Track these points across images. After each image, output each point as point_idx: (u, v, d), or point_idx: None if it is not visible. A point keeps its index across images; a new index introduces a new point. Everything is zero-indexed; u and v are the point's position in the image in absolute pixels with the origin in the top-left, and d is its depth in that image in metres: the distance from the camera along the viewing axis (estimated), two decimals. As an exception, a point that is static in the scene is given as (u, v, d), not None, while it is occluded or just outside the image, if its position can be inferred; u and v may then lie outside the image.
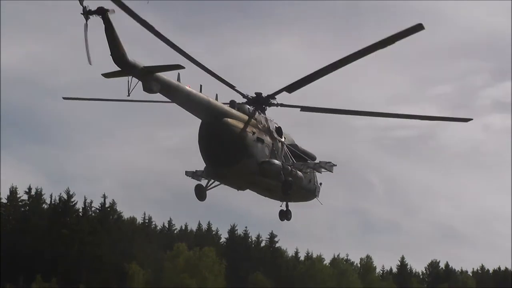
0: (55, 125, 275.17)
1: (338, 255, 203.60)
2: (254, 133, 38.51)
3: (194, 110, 36.60)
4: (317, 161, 42.20)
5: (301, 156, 42.41)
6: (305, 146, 43.84)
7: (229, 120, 37.39)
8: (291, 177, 40.18)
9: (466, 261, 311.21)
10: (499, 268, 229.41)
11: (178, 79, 35.56)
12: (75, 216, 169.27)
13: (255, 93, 39.83)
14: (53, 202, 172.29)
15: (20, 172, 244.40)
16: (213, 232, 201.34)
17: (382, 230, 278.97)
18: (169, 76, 35.16)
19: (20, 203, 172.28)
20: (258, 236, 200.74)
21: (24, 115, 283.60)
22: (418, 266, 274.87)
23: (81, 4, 31.67)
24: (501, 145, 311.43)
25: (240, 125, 37.76)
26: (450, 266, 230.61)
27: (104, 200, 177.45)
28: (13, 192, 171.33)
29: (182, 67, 33.85)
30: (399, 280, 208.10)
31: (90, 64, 31.88)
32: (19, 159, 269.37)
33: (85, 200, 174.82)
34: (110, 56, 32.70)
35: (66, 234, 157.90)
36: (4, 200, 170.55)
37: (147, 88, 33.95)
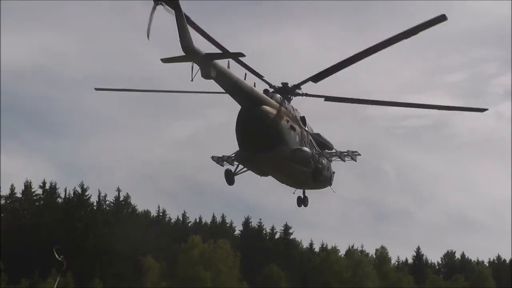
0: (69, 119, 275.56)
1: (353, 246, 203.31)
2: (288, 121, 40.11)
3: (238, 96, 38.17)
4: (344, 150, 43.29)
5: (323, 145, 43.85)
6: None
7: (268, 107, 38.94)
8: (320, 164, 42.16)
9: (482, 251, 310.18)
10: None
11: (228, 67, 37.19)
12: (89, 210, 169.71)
13: (282, 83, 41.22)
14: (67, 196, 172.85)
15: (34, 167, 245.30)
16: (227, 225, 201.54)
17: (397, 221, 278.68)
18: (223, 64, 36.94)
19: (34, 197, 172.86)
20: (273, 228, 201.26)
21: (37, 109, 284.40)
22: (434, 256, 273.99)
23: None
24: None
25: (276, 113, 39.40)
26: (466, 257, 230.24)
27: (118, 194, 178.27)
28: (27, 186, 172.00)
29: (243, 55, 35.79)
30: (415, 271, 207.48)
31: (148, 39, 34.08)
32: (33, 153, 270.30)
33: (99, 193, 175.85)
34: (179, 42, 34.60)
35: (80, 228, 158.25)
36: (19, 195, 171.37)
37: (205, 74, 35.69)
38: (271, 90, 40.88)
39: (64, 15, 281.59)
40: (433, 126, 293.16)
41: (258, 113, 38.54)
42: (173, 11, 34.38)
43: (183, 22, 34.40)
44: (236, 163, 41.66)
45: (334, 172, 45.78)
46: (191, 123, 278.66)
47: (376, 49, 36.97)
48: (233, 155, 41.40)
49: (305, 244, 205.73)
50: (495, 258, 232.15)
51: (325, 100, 42.04)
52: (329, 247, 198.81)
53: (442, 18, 34.40)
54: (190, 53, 35.06)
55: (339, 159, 43.37)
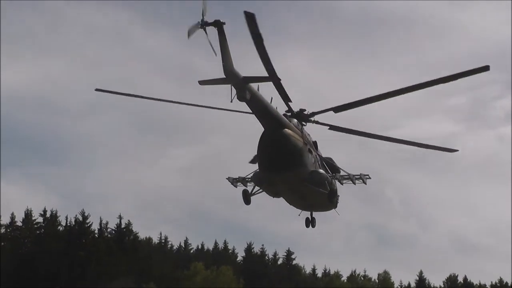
0: (68, 146, 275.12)
1: (355, 271, 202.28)
2: (306, 144, 41.84)
3: (265, 119, 39.74)
4: (356, 173, 45.32)
5: (334, 168, 45.45)
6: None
7: (290, 131, 40.60)
8: (334, 186, 44.10)
9: (484, 275, 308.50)
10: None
11: (258, 89, 38.64)
12: (91, 238, 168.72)
13: (300, 109, 42.70)
14: (68, 224, 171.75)
15: (35, 194, 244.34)
16: (230, 251, 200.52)
17: (399, 244, 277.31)
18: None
19: (35, 226, 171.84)
20: (275, 254, 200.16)
21: (37, 136, 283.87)
22: (437, 280, 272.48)
23: (203, 15, 35.41)
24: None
25: (297, 136, 41.16)
26: (468, 280, 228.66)
27: (120, 221, 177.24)
28: (28, 215, 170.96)
29: (279, 80, 37.40)
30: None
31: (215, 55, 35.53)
32: (33, 181, 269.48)
33: (101, 221, 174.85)
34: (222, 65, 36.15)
35: (83, 256, 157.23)
36: (19, 223, 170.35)
37: (241, 96, 37.32)
38: (288, 114, 42.32)
39: (65, 43, 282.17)
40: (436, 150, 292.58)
41: (282, 135, 40.14)
42: (217, 35, 35.61)
43: (226, 45, 35.82)
44: (251, 184, 43.60)
45: (339, 195, 46.91)
46: (192, 150, 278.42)
47: (404, 91, 39.56)
48: (248, 176, 43.64)
49: (308, 269, 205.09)
50: (497, 281, 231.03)
51: (329, 129, 43.67)
52: (332, 272, 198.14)
53: (485, 68, 37.31)
54: (230, 76, 36.60)
55: (351, 182, 45.27)
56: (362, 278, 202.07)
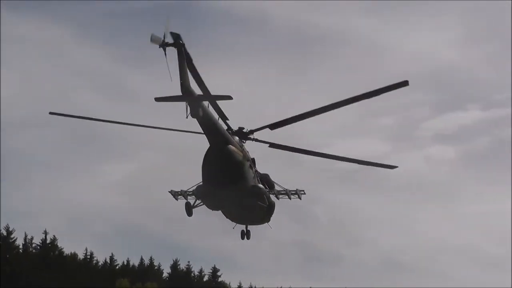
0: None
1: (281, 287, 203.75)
2: (248, 160, 43.98)
3: (213, 136, 41.58)
4: (292, 189, 46.97)
5: (270, 185, 47.01)
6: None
7: (233, 148, 42.71)
8: (273, 201, 46.03)
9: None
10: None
11: (208, 107, 40.52)
12: (15, 253, 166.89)
13: (238, 127, 44.40)
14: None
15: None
16: (156, 267, 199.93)
17: (326, 262, 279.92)
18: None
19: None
20: (201, 271, 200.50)
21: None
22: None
23: (164, 36, 36.84)
24: (443, 176, 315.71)
25: (240, 152, 43.26)
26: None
27: (45, 236, 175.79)
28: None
29: (231, 98, 38.63)
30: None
31: (171, 80, 37.11)
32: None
33: (26, 236, 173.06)
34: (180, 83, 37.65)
35: (8, 271, 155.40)
36: None
37: (194, 113, 38.99)
38: (229, 131, 43.91)
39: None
40: (364, 169, 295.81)
41: (227, 151, 42.16)
42: (177, 54, 37.09)
43: (184, 64, 37.46)
44: (191, 197, 45.27)
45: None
46: (122, 166, 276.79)
47: (334, 106, 40.92)
48: (190, 190, 45.17)
49: (234, 286, 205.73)
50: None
51: (269, 147, 45.26)
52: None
53: (404, 84, 38.45)
54: (186, 94, 38.09)
55: (287, 197, 46.97)
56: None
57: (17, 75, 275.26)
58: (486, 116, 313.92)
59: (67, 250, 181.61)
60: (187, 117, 38.99)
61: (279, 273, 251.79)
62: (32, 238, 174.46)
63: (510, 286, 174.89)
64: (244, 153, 44.05)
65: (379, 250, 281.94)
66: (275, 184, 47.31)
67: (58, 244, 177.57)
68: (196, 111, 38.97)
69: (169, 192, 46.31)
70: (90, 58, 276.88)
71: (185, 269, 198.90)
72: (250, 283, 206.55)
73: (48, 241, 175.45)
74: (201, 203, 44.87)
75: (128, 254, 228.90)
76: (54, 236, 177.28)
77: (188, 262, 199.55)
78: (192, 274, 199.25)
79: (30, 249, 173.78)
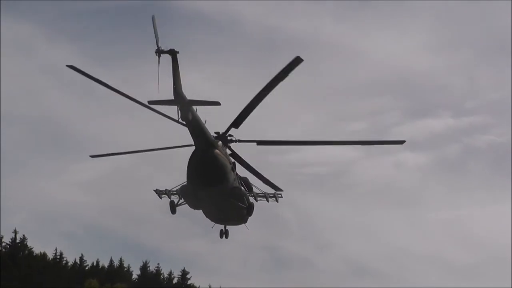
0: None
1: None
2: (230, 163, 46.15)
3: (199, 138, 43.77)
4: (271, 191, 49.18)
5: (249, 188, 49.08)
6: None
7: (218, 151, 44.75)
8: (252, 202, 48.14)
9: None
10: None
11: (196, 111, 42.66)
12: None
13: (215, 132, 45.94)
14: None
15: None
16: (125, 269, 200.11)
17: (295, 266, 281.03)
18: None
19: None
20: (170, 273, 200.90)
21: None
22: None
23: (157, 44, 39.08)
24: (413, 182, 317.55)
25: (223, 156, 45.38)
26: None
27: (15, 235, 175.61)
28: None
29: (219, 104, 41.19)
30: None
31: (158, 92, 39.32)
32: None
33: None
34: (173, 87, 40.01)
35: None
36: None
37: (184, 117, 41.46)
38: (214, 135, 45.85)
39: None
40: (334, 174, 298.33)
41: (212, 154, 44.27)
42: (171, 60, 39.33)
43: (177, 70, 39.82)
44: (174, 196, 47.39)
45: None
46: (94, 166, 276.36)
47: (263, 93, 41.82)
48: (174, 189, 47.37)
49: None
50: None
51: (257, 144, 47.18)
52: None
53: (298, 60, 38.97)
54: (178, 98, 40.49)
55: (265, 199, 49.05)
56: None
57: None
58: (457, 123, 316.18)
59: (36, 250, 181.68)
60: (177, 120, 41.43)
61: (247, 276, 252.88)
62: (1, 238, 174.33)
63: (510, 286, 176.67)
64: (227, 156, 46.15)
65: (346, 255, 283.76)
66: (253, 187, 49.22)
67: (27, 243, 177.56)
68: (186, 115, 41.22)
69: (154, 191, 48.24)
70: (60, 56, 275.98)
71: (154, 271, 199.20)
72: (220, 286, 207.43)
73: (17, 241, 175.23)
74: (185, 202, 46.84)
75: (97, 255, 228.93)
76: (24, 235, 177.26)
77: (158, 264, 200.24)
78: (162, 276, 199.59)
79: (0, 248, 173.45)
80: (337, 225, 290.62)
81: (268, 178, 49.64)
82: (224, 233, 50.31)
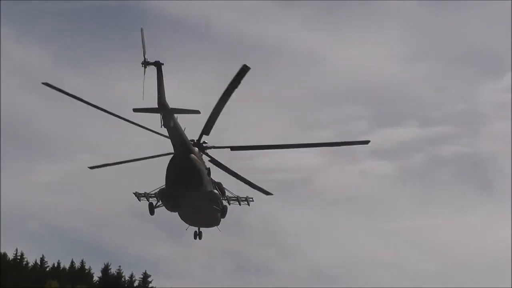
0: None
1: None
2: (206, 168, 48.52)
3: (178, 145, 46.04)
4: (243, 195, 51.77)
5: (222, 191, 51.31)
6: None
7: (195, 156, 47.04)
8: (226, 205, 50.59)
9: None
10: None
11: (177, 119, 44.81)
12: None
13: (191, 140, 47.60)
14: None
15: None
16: (86, 271, 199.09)
17: (257, 272, 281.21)
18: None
19: None
20: (132, 276, 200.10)
21: None
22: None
23: (144, 56, 41.15)
24: (378, 191, 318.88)
25: (200, 161, 47.78)
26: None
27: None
28: None
29: (199, 112, 43.30)
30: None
31: (143, 99, 41.66)
32: None
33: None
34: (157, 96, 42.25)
35: None
36: None
37: (166, 124, 43.76)
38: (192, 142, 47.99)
39: None
40: (301, 181, 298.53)
41: (190, 159, 46.63)
42: (156, 71, 41.44)
43: (162, 80, 41.94)
44: (152, 198, 49.84)
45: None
46: (58, 166, 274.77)
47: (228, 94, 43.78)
48: (153, 192, 49.72)
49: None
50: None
51: (231, 150, 49.35)
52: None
53: (246, 69, 41.71)
54: (161, 107, 42.73)
55: (237, 203, 51.72)
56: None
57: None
58: (422, 133, 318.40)
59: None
60: (161, 127, 43.70)
61: (209, 280, 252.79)
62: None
63: (510, 287, 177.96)
64: (203, 162, 48.45)
65: (308, 263, 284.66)
66: (226, 191, 51.46)
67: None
68: (168, 122, 43.50)
69: (133, 193, 50.90)
70: (28, 57, 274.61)
71: (116, 273, 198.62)
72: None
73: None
74: (162, 205, 49.04)
75: (59, 256, 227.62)
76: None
77: (119, 266, 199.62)
78: (123, 279, 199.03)
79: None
80: (302, 231, 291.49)
81: (255, 183, 51.57)
82: (198, 235, 52.12)
